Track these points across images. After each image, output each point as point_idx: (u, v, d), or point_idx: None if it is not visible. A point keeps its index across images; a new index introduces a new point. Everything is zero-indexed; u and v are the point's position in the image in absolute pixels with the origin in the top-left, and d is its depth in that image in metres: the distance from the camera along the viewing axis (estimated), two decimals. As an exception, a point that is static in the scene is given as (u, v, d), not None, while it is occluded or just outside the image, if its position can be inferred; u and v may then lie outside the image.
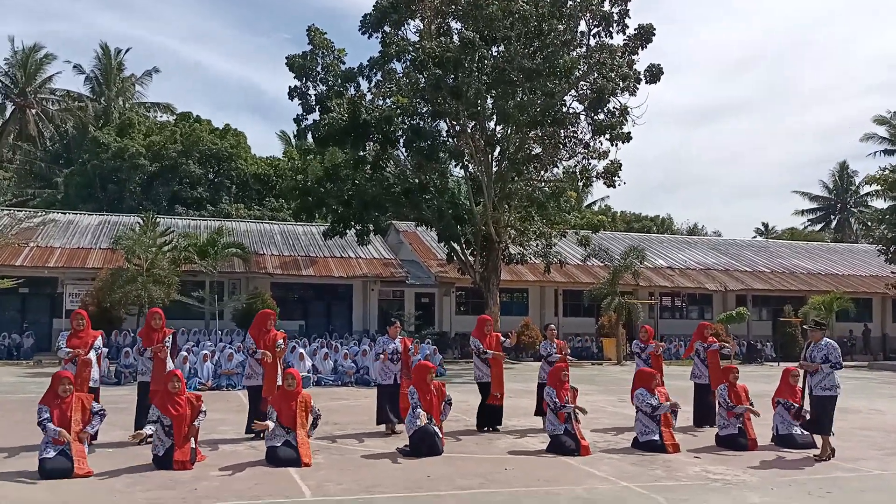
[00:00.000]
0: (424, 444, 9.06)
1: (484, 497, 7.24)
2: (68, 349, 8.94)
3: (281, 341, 10.02)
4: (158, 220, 27.65)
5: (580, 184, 27.35)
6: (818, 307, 30.01)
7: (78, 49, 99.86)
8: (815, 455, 9.35)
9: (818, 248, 45.26)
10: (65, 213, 34.33)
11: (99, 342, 9.36)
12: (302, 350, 18.05)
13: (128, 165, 40.35)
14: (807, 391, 9.47)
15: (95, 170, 40.58)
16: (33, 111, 50.92)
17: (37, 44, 50.66)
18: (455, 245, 26.66)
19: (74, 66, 51.75)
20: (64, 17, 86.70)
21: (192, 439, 8.45)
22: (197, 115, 46.88)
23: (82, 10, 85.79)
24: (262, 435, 8.89)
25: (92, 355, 9.05)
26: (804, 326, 9.82)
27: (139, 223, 26.21)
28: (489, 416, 11.16)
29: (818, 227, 63.24)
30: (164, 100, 54.53)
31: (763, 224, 64.75)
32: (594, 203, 56.42)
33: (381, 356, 10.74)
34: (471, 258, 26.94)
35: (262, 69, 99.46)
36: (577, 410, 9.53)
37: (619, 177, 25.63)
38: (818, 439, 9.44)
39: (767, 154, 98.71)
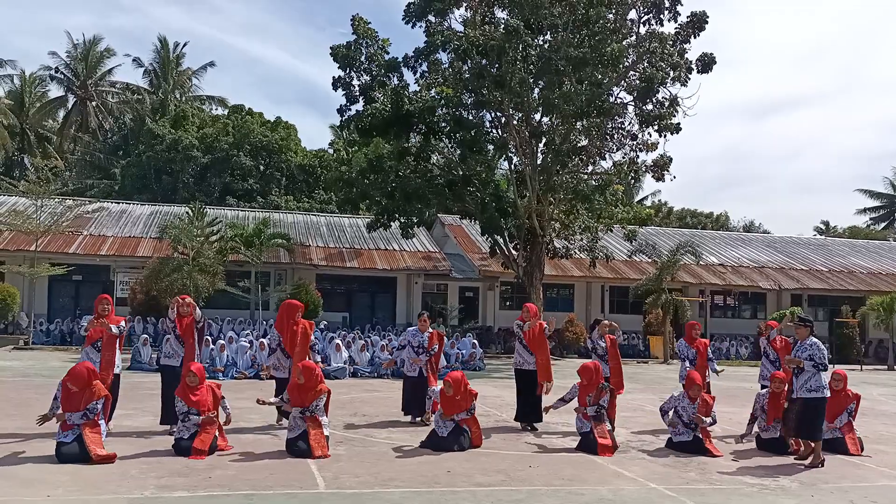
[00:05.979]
0: (449, 440, 8.84)
1: (502, 494, 6.97)
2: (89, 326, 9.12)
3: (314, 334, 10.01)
4: (206, 210, 28.03)
5: (629, 177, 26.65)
6: (877, 308, 28.87)
7: (138, 43, 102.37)
8: (795, 459, 8.95)
9: (879, 247, 43.46)
10: (118, 203, 35.12)
11: (121, 325, 9.38)
12: (339, 341, 18.00)
13: (181, 157, 41.09)
14: (793, 394, 8.86)
15: (150, 161, 41.44)
16: (93, 103, 52.36)
17: (96, 36, 52.14)
18: (498, 238, 26.33)
19: (133, 60, 53.11)
20: (125, 10, 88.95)
21: (217, 428, 8.41)
22: (249, 108, 47.49)
23: (143, 4, 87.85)
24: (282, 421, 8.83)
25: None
26: (789, 323, 9.32)
27: (187, 213, 26.61)
28: (529, 410, 10.58)
29: (881, 225, 60.79)
30: (221, 93, 55.78)
31: (823, 222, 62.46)
32: (645, 198, 55.29)
33: (427, 359, 10.64)
34: (514, 252, 26.57)
35: (319, 64, 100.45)
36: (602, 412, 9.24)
37: (668, 171, 25.06)
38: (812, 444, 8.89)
39: (830, 150, 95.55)
